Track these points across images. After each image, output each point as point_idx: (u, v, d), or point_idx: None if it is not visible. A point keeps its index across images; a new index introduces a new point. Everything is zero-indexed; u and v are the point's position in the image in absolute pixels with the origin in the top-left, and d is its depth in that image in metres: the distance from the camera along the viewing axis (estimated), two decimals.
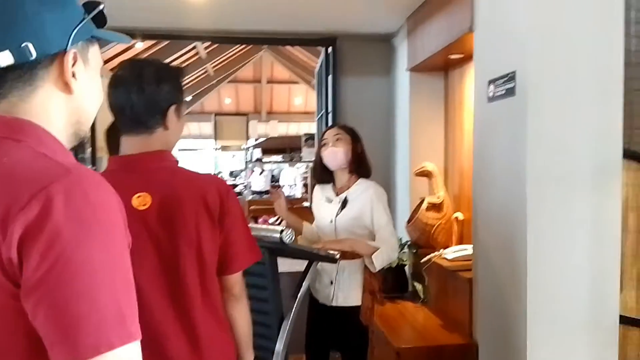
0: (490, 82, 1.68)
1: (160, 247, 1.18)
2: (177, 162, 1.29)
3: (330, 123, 3.73)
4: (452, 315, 2.60)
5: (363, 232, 2.13)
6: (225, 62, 11.51)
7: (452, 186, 3.15)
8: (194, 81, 11.31)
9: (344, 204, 2.14)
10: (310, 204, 2.42)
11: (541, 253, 1.52)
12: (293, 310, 1.82)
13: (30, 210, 0.58)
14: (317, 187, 2.33)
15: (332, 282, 2.15)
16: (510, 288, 1.70)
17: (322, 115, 4.04)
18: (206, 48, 9.47)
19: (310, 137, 6.52)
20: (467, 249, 2.79)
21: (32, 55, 0.66)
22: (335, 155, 2.13)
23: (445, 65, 3.17)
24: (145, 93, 1.19)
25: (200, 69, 10.52)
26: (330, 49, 3.67)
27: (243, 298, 1.34)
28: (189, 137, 14.34)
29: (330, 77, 3.69)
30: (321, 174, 2.24)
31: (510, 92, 1.54)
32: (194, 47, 8.79)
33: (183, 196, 1.20)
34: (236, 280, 1.30)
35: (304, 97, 14.60)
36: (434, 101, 3.30)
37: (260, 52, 12.06)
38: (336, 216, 2.14)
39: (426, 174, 3.03)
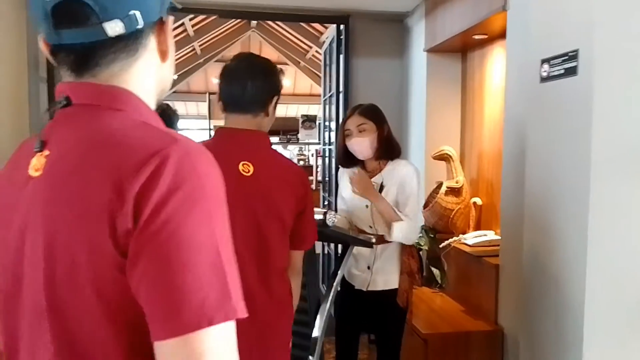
0: (544, 61, 1.60)
1: (255, 215, 1.34)
2: (271, 143, 1.49)
3: (341, 104, 3.64)
4: (475, 302, 2.57)
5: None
6: (213, 40, 11.24)
7: (470, 171, 3.10)
8: (181, 59, 11.03)
9: (380, 189, 2.06)
10: (334, 188, 2.33)
11: (603, 239, 1.47)
12: (330, 296, 1.75)
13: (143, 175, 0.58)
14: (343, 170, 2.25)
15: (369, 267, 2.08)
16: (559, 274, 1.65)
17: (331, 95, 3.93)
18: (194, 26, 9.19)
19: (307, 118, 6.42)
20: (487, 235, 2.76)
21: (139, 24, 0.65)
22: (361, 146, 2.04)
23: (463, 46, 3.10)
24: (256, 84, 1.40)
25: (187, 47, 10.25)
26: (342, 27, 3.56)
27: (300, 273, 1.54)
28: (186, 116, 14.08)
29: (342, 57, 3.58)
30: (346, 160, 2.16)
31: (572, 71, 1.48)
32: (181, 24, 8.52)
33: (277, 175, 1.40)
34: (301, 257, 1.51)
35: (292, 79, 14.39)
36: (451, 84, 3.23)
37: (248, 31, 11.82)
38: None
39: (445, 157, 2.97)
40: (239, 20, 10.69)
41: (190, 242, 0.57)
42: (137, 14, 0.65)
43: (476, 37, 2.77)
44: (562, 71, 1.51)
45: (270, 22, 10.96)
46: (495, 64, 2.83)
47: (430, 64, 3.20)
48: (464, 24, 2.66)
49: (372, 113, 2.09)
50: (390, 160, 2.11)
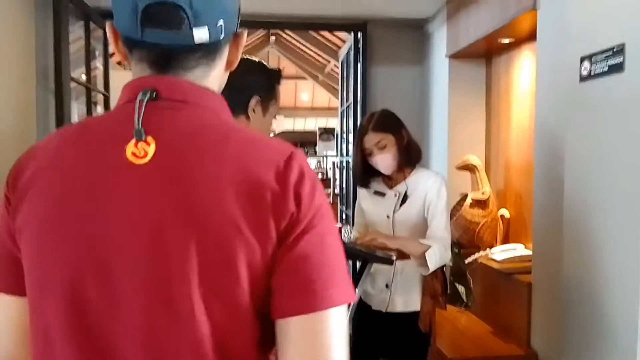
0: (585, 58, 1.45)
1: None
2: None
3: (359, 114, 3.51)
4: (504, 322, 2.38)
5: (424, 228, 1.90)
6: None
7: (496, 182, 2.93)
8: None
9: (404, 198, 1.91)
10: (352, 201, 2.17)
11: None
12: (348, 317, 1.59)
13: (293, 170, 0.63)
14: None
15: (387, 286, 1.92)
16: (607, 296, 1.48)
17: (348, 106, 3.81)
18: None
19: (325, 131, 6.32)
20: (517, 249, 2.58)
21: (222, 34, 0.68)
22: (385, 163, 1.89)
23: (488, 51, 2.95)
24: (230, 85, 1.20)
25: None
26: (359, 35, 3.45)
27: None
28: None
29: (359, 65, 3.46)
30: (364, 178, 2.00)
31: (617, 68, 1.32)
32: None
33: None
34: None
35: (310, 93, 14.40)
36: (475, 90, 3.08)
37: (267, 47, 11.85)
38: (394, 212, 1.91)
39: (470, 167, 2.81)
40: (257, 36, 10.77)
41: (333, 228, 0.66)
42: (222, 23, 0.66)
43: (502, 40, 2.63)
44: (606, 68, 1.36)
45: (288, 38, 10.99)
46: (522, 69, 2.67)
47: (453, 70, 3.06)
48: (489, 26, 2.52)
49: (387, 124, 1.91)
50: (416, 168, 1.97)
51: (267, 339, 0.63)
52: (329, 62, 11.25)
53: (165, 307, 0.60)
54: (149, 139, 0.64)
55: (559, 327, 1.92)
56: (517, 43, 2.67)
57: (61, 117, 2.47)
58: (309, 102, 14.50)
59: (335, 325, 0.61)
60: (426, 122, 3.46)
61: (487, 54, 3.00)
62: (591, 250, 1.54)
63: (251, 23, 3.76)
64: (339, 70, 4.57)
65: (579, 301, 1.66)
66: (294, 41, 11.06)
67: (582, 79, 1.47)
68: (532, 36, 2.43)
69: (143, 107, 0.64)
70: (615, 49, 1.33)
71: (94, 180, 0.64)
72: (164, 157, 0.63)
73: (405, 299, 1.91)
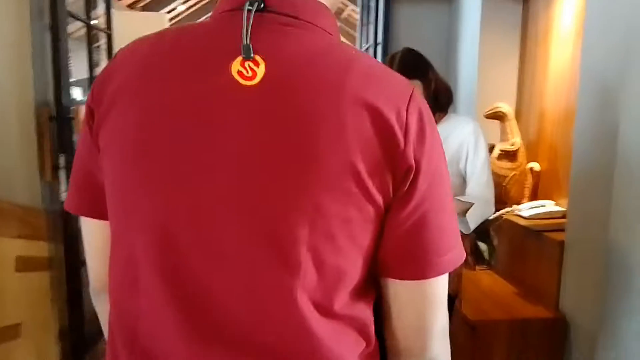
0: None
1: None
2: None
3: (379, 57, 3.25)
4: (531, 283, 2.22)
5: (457, 181, 1.72)
6: None
7: (527, 132, 2.70)
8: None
9: None
10: None
11: None
12: None
13: (413, 117, 0.57)
14: None
15: None
16: None
17: (368, 48, 3.54)
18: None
19: None
20: (546, 205, 2.39)
21: None
22: None
23: None
24: None
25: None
26: None
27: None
28: None
29: (381, 2, 3.17)
30: None
31: None
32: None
33: None
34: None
35: None
36: (509, 32, 2.79)
37: None
38: None
39: (500, 116, 2.58)
40: None
41: (449, 191, 0.61)
42: None
43: None
44: None
45: None
46: (564, 8, 2.38)
47: (486, 9, 2.77)
48: None
49: (413, 68, 1.69)
50: (448, 114, 1.76)
51: (369, 292, 0.62)
52: (346, 6, 10.71)
53: (271, 254, 0.54)
54: (258, 58, 0.55)
55: (595, 292, 1.75)
56: None
57: (57, 55, 2.27)
58: None
59: (442, 287, 0.61)
60: (453, 66, 3.20)
61: None
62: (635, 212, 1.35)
63: None
64: (358, 6, 4.24)
65: (625, 267, 1.49)
66: None
67: None
68: None
69: (251, 18, 0.55)
70: None
71: (194, 98, 0.55)
72: (275, 82, 0.54)
73: None
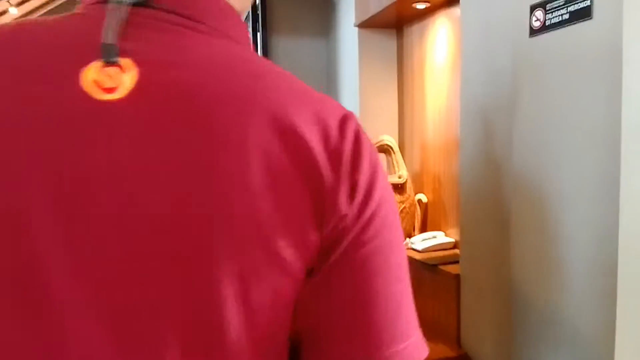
0: (536, 7, 1.19)
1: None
2: None
3: None
4: (432, 320, 2.15)
5: None
6: None
7: (412, 164, 2.70)
8: None
9: None
10: None
11: (637, 234, 1.07)
12: None
13: (347, 143, 0.42)
14: None
15: None
16: (576, 293, 1.24)
17: None
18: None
19: None
20: (437, 236, 2.36)
21: None
22: None
23: (399, 20, 2.69)
24: None
25: None
26: (258, 1, 3.03)
27: None
28: None
29: (259, 35, 3.05)
30: None
31: (582, 13, 1.06)
32: None
33: None
34: None
35: None
36: (387, 64, 2.81)
37: None
38: None
39: (384, 149, 2.54)
40: None
41: (400, 241, 0.47)
42: None
43: (417, 5, 2.36)
44: (567, 16, 1.10)
45: None
46: (438, 39, 2.44)
47: (363, 41, 2.76)
48: None
49: None
50: None
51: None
52: None
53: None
54: (126, 62, 0.39)
55: (494, 326, 1.70)
56: (433, 9, 2.42)
57: None
58: None
59: None
60: (334, 99, 3.15)
61: (397, 23, 2.73)
62: (544, 240, 1.31)
63: None
64: None
65: (521, 299, 1.43)
66: None
67: (533, 32, 1.20)
68: (449, 0, 2.19)
69: (123, 11, 0.39)
70: None
71: (24, 121, 0.38)
72: (154, 97, 0.39)
73: None
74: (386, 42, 2.79)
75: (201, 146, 0.39)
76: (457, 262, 2.00)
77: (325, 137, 0.42)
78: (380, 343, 0.44)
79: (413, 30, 2.66)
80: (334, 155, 0.41)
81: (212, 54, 0.43)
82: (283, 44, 3.08)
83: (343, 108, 0.46)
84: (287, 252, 0.40)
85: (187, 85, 0.40)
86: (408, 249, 2.34)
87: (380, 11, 2.48)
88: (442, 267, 2.06)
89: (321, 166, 0.41)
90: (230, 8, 0.47)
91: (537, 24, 1.19)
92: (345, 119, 0.44)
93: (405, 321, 0.47)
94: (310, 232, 0.41)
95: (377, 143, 2.53)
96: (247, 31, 0.50)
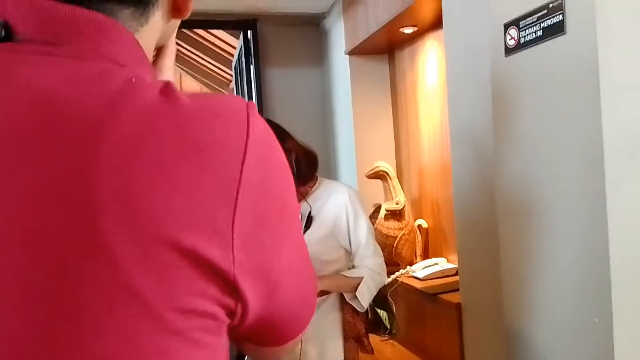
0: (510, 25, 1.15)
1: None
2: None
3: None
4: (434, 351, 2.05)
5: (335, 256, 1.52)
6: None
7: (410, 189, 2.64)
8: None
9: (309, 221, 1.50)
10: None
11: (630, 255, 0.99)
12: None
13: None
14: None
15: None
16: (574, 318, 1.16)
17: None
18: None
19: None
20: (439, 263, 2.28)
21: None
22: None
23: (390, 45, 2.67)
24: None
25: None
26: (250, 34, 3.05)
27: None
28: None
29: (252, 68, 3.06)
30: None
31: (556, 29, 1.02)
32: None
33: None
34: None
35: None
36: (380, 90, 2.78)
37: None
38: None
39: (380, 175, 2.49)
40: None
41: (299, 243, 0.52)
42: None
43: (404, 30, 2.34)
44: (540, 32, 1.06)
45: (187, 52, 10.41)
46: (428, 62, 2.41)
47: (354, 68, 2.75)
48: (389, 14, 2.22)
49: None
50: (318, 182, 1.57)
51: None
52: (232, 76, 10.78)
53: None
54: None
55: (497, 357, 1.60)
56: (421, 33, 2.40)
57: None
58: None
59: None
60: (331, 128, 3.12)
61: (389, 48, 2.72)
62: (534, 260, 1.23)
63: None
64: (232, 75, 4.14)
65: (519, 328, 1.35)
66: (193, 55, 10.49)
67: (509, 51, 1.16)
68: (437, 22, 2.17)
69: None
70: (551, 4, 1.02)
71: None
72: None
73: (320, 349, 1.50)
74: (378, 68, 2.77)
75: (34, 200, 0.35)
76: (458, 289, 1.91)
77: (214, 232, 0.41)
78: (289, 334, 0.49)
79: (404, 54, 2.64)
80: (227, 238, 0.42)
81: (66, 77, 0.38)
82: (277, 75, 3.08)
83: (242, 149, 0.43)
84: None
85: (16, 121, 0.36)
86: (409, 277, 2.27)
87: (369, 37, 2.47)
88: (442, 296, 1.98)
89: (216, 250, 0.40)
90: (116, 26, 0.42)
91: (511, 43, 1.15)
92: (246, 156, 0.43)
93: (306, 313, 0.53)
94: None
95: (372, 169, 2.48)
96: (142, 53, 0.46)
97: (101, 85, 0.38)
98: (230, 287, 0.39)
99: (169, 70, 0.61)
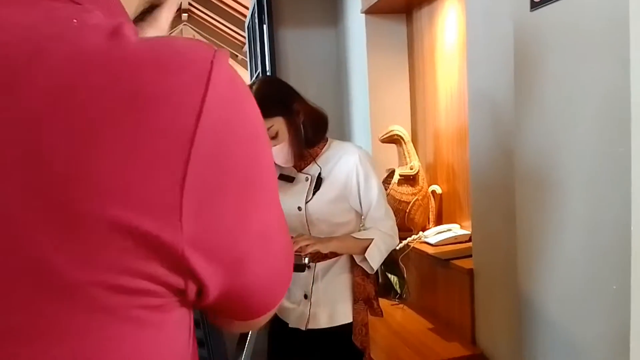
0: None
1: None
2: None
3: None
4: (445, 317, 2.05)
5: (346, 218, 1.50)
6: None
7: (425, 154, 2.59)
8: None
9: (318, 183, 1.47)
10: None
11: None
12: (244, 355, 1.16)
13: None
14: None
15: (306, 296, 1.50)
16: (588, 288, 1.14)
17: (257, 76, 3.33)
18: None
19: None
20: (452, 229, 2.26)
21: None
22: (282, 154, 1.42)
23: (408, 5, 2.58)
24: None
25: None
26: None
27: None
28: None
29: (265, 28, 2.98)
30: None
31: None
32: None
33: None
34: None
35: None
36: (397, 51, 2.70)
37: (180, 25, 11.06)
38: (306, 202, 1.46)
39: (395, 139, 2.44)
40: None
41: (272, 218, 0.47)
42: None
43: None
44: None
45: (201, 14, 10.24)
46: (447, 22, 2.32)
47: (370, 28, 2.66)
48: None
49: (271, 104, 1.40)
50: (328, 143, 1.53)
51: None
52: (244, 44, 10.62)
53: None
54: None
55: (508, 323, 1.59)
56: None
57: None
58: None
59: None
60: (345, 91, 3.06)
61: (407, 7, 2.62)
62: (551, 229, 1.20)
63: None
64: (245, 36, 4.06)
65: (534, 294, 1.33)
66: (208, 18, 10.33)
67: (535, 4, 1.09)
68: None
69: None
70: None
71: None
72: None
73: (330, 310, 1.50)
74: (395, 28, 2.68)
75: None
76: (471, 256, 1.89)
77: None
78: (260, 309, 0.48)
79: (422, 14, 2.54)
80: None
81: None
82: (290, 36, 3.01)
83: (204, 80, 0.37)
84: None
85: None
86: (421, 242, 2.25)
87: None
88: (455, 262, 1.96)
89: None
90: None
91: None
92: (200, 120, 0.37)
93: (278, 289, 0.50)
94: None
95: (387, 133, 2.43)
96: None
97: (40, 28, 0.33)
98: (177, 264, 0.34)
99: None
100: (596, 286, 1.08)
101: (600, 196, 1.04)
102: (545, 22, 1.09)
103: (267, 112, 1.38)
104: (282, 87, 1.46)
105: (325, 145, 1.51)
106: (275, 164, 1.52)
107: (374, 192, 1.48)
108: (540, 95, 1.16)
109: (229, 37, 10.81)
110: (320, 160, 1.49)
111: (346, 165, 1.46)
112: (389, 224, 1.52)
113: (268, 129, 1.39)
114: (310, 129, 1.44)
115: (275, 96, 1.42)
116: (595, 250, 1.08)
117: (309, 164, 1.50)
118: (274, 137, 1.40)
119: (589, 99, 1.02)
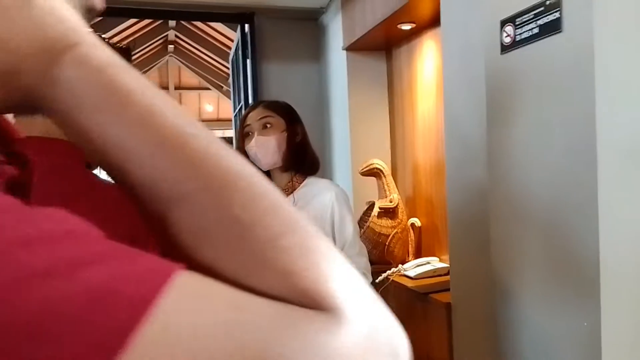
0: (506, 22, 1.13)
1: None
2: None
3: None
4: (424, 350, 2.04)
5: None
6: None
7: (405, 187, 2.62)
8: None
9: None
10: None
11: (619, 258, 0.98)
12: None
13: None
14: None
15: None
16: (558, 313, 1.15)
17: (240, 108, 3.36)
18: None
19: (225, 141, 5.81)
20: (431, 262, 2.27)
21: None
22: (265, 148, 1.44)
23: (388, 42, 2.65)
24: None
25: None
26: (247, 27, 3.02)
27: None
28: None
29: (248, 62, 3.03)
30: None
31: (552, 27, 1.00)
32: None
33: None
34: None
35: (215, 104, 13.81)
36: (376, 87, 2.76)
37: (165, 56, 11.16)
38: None
39: (375, 172, 2.47)
40: (155, 44, 10.02)
41: None
42: None
43: (402, 26, 2.32)
44: (536, 30, 1.04)
45: (187, 46, 10.37)
46: (426, 60, 2.39)
47: (351, 64, 2.73)
48: (386, 10, 2.20)
49: (282, 107, 1.53)
50: (308, 178, 1.55)
51: None
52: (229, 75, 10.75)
53: None
54: None
55: (488, 356, 1.59)
56: (419, 30, 2.38)
57: None
58: (214, 113, 13.96)
59: None
60: (327, 125, 3.10)
61: (387, 45, 2.70)
62: (525, 261, 1.22)
63: (127, 12, 3.19)
64: (229, 68, 4.12)
65: (511, 329, 1.33)
66: (192, 49, 10.45)
67: (505, 48, 1.14)
68: (435, 20, 2.15)
69: None
70: (548, 2, 1.01)
71: None
72: None
73: None
74: (375, 65, 2.75)
75: None
76: (449, 289, 1.90)
77: None
78: None
79: (401, 52, 2.62)
80: None
81: None
82: (273, 70, 3.06)
83: None
84: None
85: None
86: (400, 275, 2.25)
87: (367, 33, 2.45)
88: (433, 296, 1.96)
89: None
90: None
91: (507, 40, 1.13)
92: None
93: None
94: None
95: (367, 166, 2.47)
96: None
97: None
98: None
99: None
100: (569, 321, 1.10)
101: (570, 231, 1.07)
102: (515, 64, 1.14)
103: (274, 109, 1.50)
104: (295, 111, 1.57)
105: (304, 180, 1.53)
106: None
107: (348, 231, 1.48)
108: (510, 131, 1.20)
109: (214, 69, 10.92)
110: (298, 193, 1.51)
111: (321, 203, 1.47)
112: (363, 261, 1.52)
113: (266, 117, 1.47)
114: (301, 154, 1.49)
115: (288, 107, 1.55)
116: (566, 284, 1.10)
117: (288, 196, 1.51)
118: (267, 127, 1.46)
119: (557, 135, 1.07)
